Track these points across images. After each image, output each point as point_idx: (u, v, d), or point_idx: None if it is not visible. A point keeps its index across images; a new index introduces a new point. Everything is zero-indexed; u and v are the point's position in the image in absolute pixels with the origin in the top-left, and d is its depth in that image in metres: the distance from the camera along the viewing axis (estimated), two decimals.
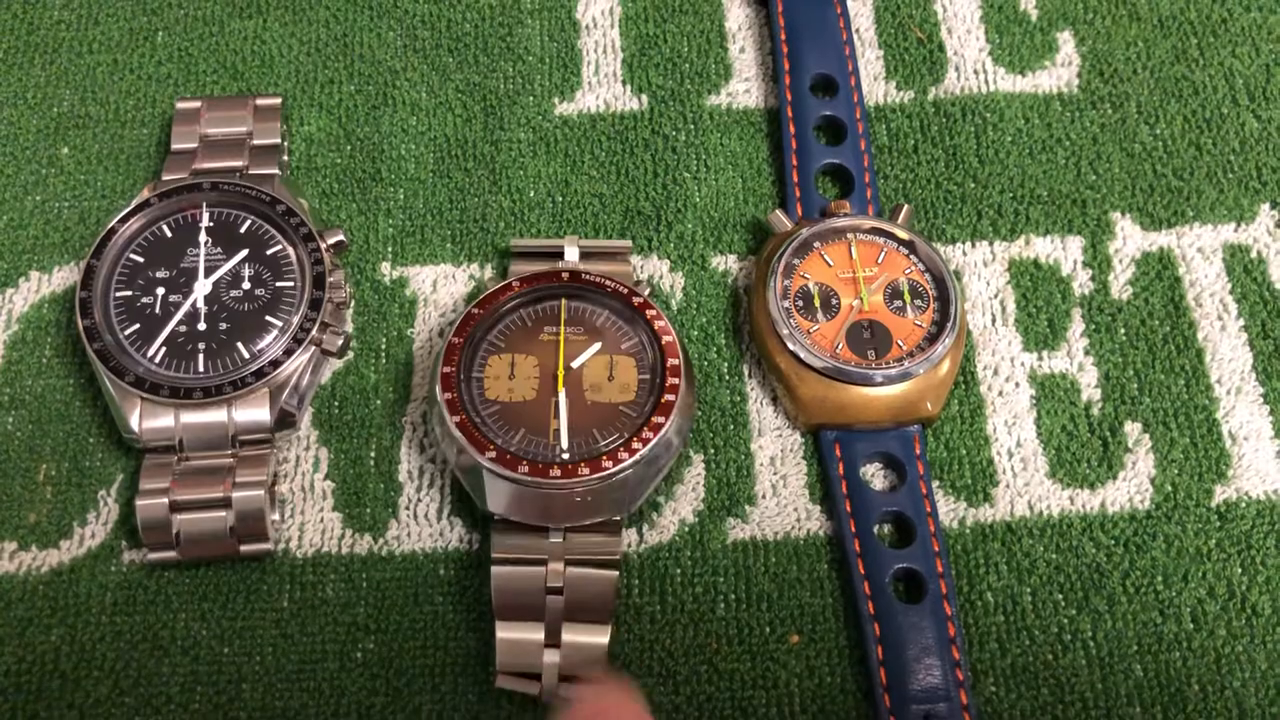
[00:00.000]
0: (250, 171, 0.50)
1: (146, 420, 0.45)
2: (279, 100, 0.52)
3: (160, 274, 0.47)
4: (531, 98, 0.55)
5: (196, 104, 0.51)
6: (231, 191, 0.48)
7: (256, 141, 0.51)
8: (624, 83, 0.55)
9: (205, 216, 0.48)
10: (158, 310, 0.46)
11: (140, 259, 0.47)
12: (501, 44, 0.56)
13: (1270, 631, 0.44)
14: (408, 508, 0.46)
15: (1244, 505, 0.46)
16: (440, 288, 0.51)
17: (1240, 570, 0.45)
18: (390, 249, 0.51)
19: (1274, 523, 0.46)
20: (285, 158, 0.52)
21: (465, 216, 0.52)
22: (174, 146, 0.51)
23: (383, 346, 0.49)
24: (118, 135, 0.54)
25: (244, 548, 0.44)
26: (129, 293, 0.47)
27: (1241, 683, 0.43)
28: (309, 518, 0.46)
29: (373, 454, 0.47)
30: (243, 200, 0.48)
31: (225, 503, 0.44)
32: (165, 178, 0.49)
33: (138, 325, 0.46)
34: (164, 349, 0.46)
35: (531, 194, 0.53)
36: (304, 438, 0.48)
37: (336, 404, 0.48)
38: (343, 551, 0.46)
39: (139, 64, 0.55)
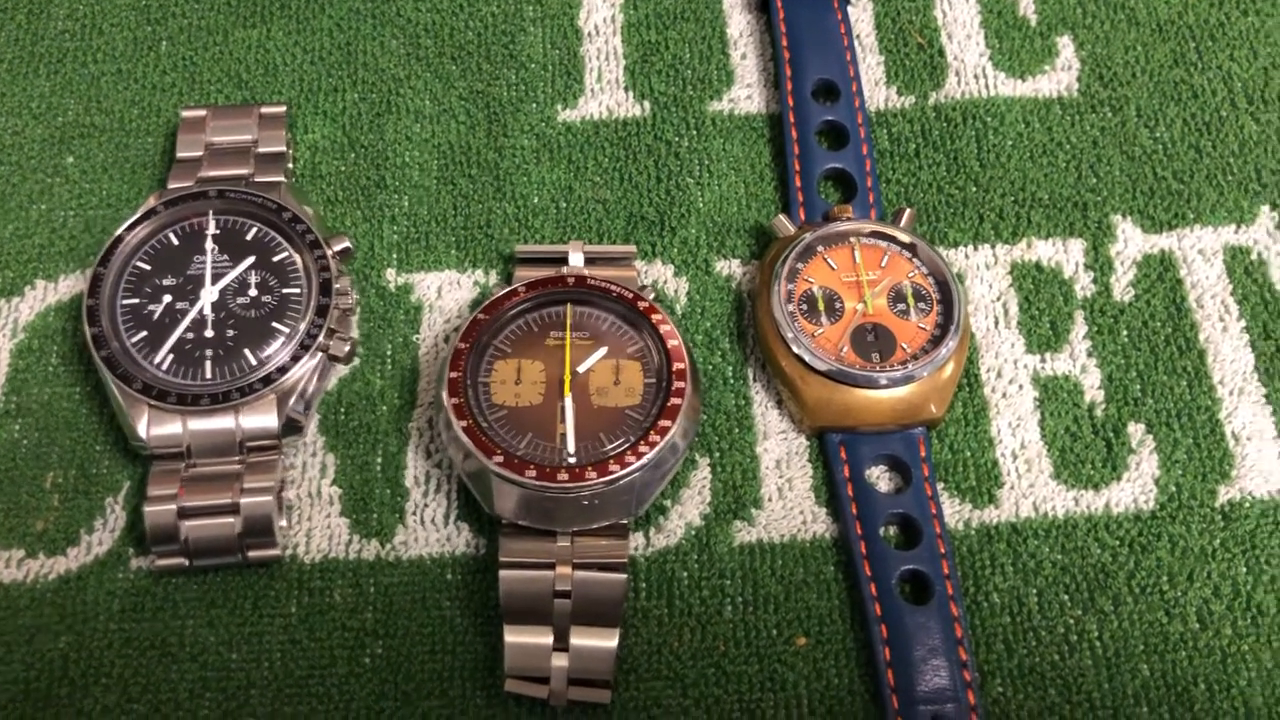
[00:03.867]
0: (256, 179, 0.50)
1: (154, 427, 0.45)
2: (284, 108, 0.52)
3: (167, 281, 0.47)
4: (535, 105, 0.55)
5: (202, 112, 0.52)
6: (238, 199, 0.48)
7: (262, 149, 0.51)
8: (626, 89, 0.56)
9: (211, 224, 0.48)
10: (165, 318, 0.46)
11: (147, 267, 0.47)
12: (504, 51, 0.56)
13: (1275, 630, 0.44)
14: (414, 513, 0.47)
15: (1248, 505, 0.47)
16: (445, 294, 0.51)
17: (1245, 570, 0.45)
18: (395, 255, 0.51)
19: (1278, 522, 0.46)
20: (290, 165, 0.52)
21: (469, 223, 0.52)
22: (179, 155, 0.51)
23: (388, 353, 0.50)
24: (122, 144, 0.54)
25: (252, 554, 0.45)
26: (136, 300, 0.47)
27: (1248, 681, 0.43)
28: (316, 524, 0.46)
29: (379, 460, 0.47)
30: (249, 208, 0.48)
31: (233, 509, 0.44)
32: (171, 186, 0.50)
33: (145, 333, 0.46)
34: (171, 356, 0.46)
35: (535, 200, 0.53)
36: (311, 444, 0.48)
37: (343, 410, 0.48)
38: (350, 557, 0.46)
39: (143, 73, 0.56)
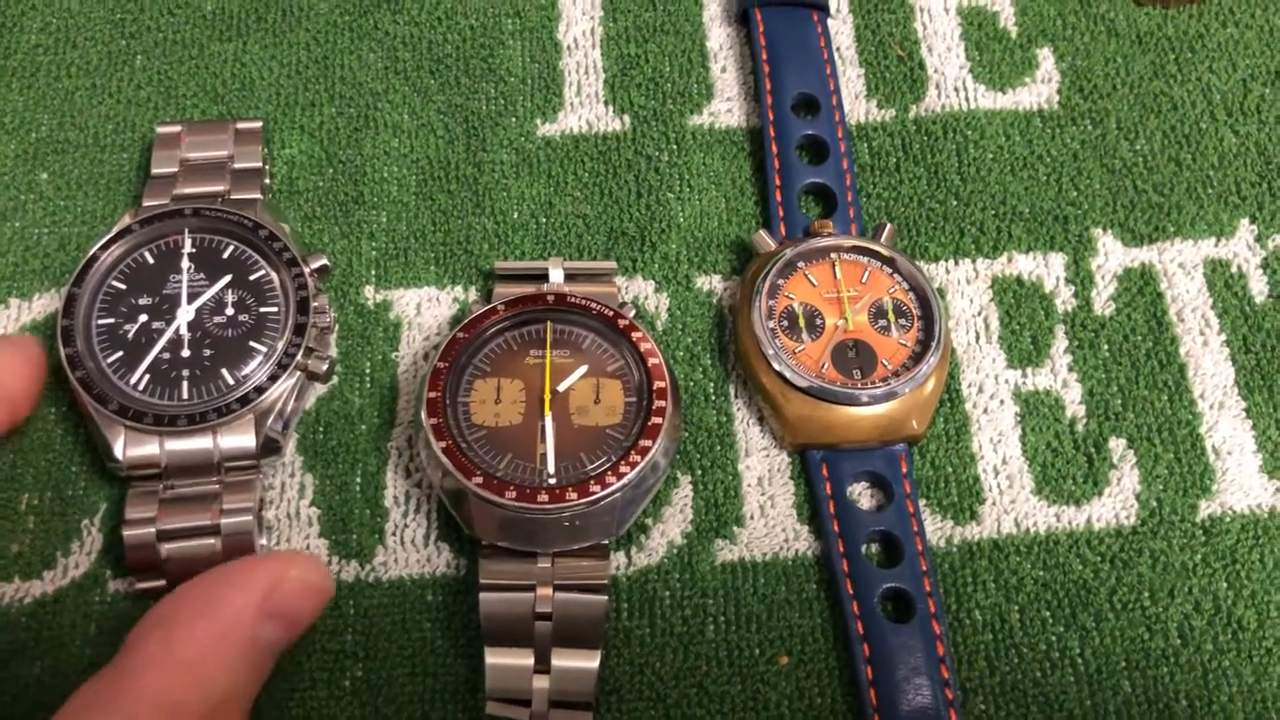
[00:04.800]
0: (232, 196, 0.49)
1: (131, 448, 0.44)
2: (260, 124, 0.52)
3: (143, 301, 0.47)
4: (514, 119, 0.55)
5: (177, 128, 0.51)
6: (213, 217, 0.48)
7: (238, 166, 0.50)
8: (606, 103, 0.55)
9: (187, 242, 0.48)
10: (140, 337, 0.46)
11: (122, 286, 0.47)
12: (483, 65, 0.56)
13: (1256, 645, 0.44)
14: (394, 533, 0.46)
15: (1228, 520, 0.47)
16: (424, 311, 0.50)
17: (1226, 585, 0.45)
18: (373, 272, 0.51)
19: (1258, 537, 0.46)
20: (267, 181, 0.51)
21: (449, 239, 0.52)
22: (154, 171, 0.50)
23: (367, 371, 0.49)
24: (97, 160, 0.53)
25: None
26: (111, 320, 0.46)
27: (1229, 697, 0.43)
28: (295, 545, 0.46)
29: (358, 479, 0.47)
30: (225, 226, 0.48)
31: (213, 530, 0.44)
32: (146, 203, 0.49)
33: (120, 353, 0.46)
34: (147, 376, 0.45)
35: (515, 216, 0.52)
36: (289, 464, 0.47)
37: (321, 429, 0.48)
38: None
39: (118, 88, 0.55)
